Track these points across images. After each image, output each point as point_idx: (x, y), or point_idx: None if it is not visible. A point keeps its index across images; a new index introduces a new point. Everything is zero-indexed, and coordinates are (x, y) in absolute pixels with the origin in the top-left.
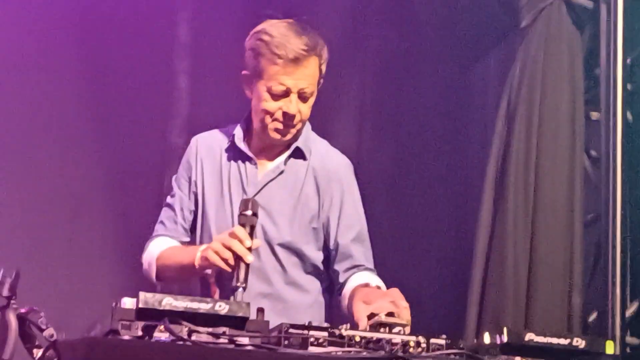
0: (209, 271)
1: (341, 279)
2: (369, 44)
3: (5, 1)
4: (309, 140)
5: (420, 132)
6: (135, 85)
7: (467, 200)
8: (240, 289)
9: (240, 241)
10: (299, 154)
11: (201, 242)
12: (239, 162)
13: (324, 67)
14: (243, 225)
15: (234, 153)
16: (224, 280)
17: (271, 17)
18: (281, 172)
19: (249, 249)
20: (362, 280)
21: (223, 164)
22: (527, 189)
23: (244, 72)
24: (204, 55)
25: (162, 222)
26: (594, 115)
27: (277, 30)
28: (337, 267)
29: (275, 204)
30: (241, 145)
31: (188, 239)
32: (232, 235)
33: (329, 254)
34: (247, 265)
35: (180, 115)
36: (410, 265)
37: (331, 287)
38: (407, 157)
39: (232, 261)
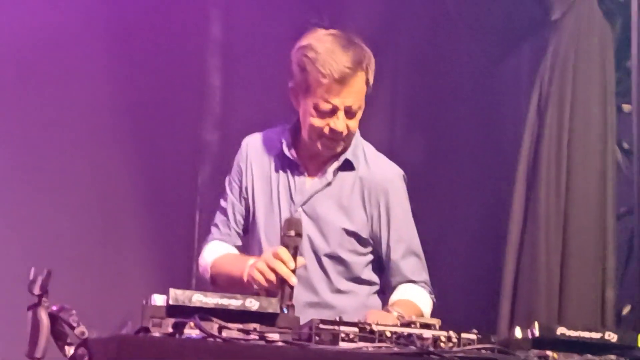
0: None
1: (393, 285)
2: (400, 40)
3: (37, 2)
4: (358, 149)
5: (452, 127)
6: (167, 83)
7: (499, 195)
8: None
9: (284, 263)
10: (347, 165)
11: (251, 247)
12: (288, 170)
13: (371, 78)
14: (287, 246)
15: (283, 160)
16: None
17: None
18: (329, 184)
19: (293, 270)
20: (406, 295)
21: (272, 170)
22: (559, 182)
23: (290, 84)
24: (236, 53)
25: (216, 226)
26: (626, 107)
27: (323, 46)
28: (390, 278)
29: (322, 214)
30: (289, 153)
31: (241, 243)
32: (276, 256)
33: (381, 258)
34: (292, 287)
35: (213, 113)
36: (442, 261)
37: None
38: (439, 152)
39: (276, 283)
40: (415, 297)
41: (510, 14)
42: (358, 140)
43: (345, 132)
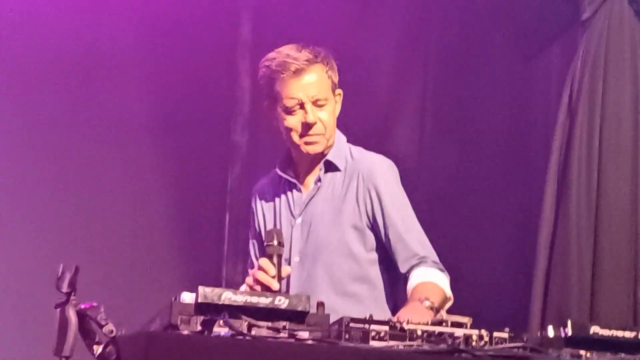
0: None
1: (402, 270)
2: (430, 40)
3: (69, 3)
4: (342, 151)
5: (483, 127)
6: (197, 85)
7: (530, 195)
8: None
9: (265, 272)
10: (332, 167)
11: None
12: (288, 191)
13: (334, 76)
14: (270, 255)
15: (283, 185)
16: None
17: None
18: (319, 188)
19: (276, 277)
20: (420, 279)
21: (275, 198)
22: (589, 181)
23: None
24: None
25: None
26: None
27: (278, 52)
28: (396, 259)
29: (318, 217)
30: (285, 174)
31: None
32: (259, 267)
33: (385, 254)
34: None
35: (242, 114)
36: (473, 261)
37: (393, 290)
38: (470, 152)
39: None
40: (433, 278)
41: (540, 13)
42: (342, 143)
43: (318, 124)
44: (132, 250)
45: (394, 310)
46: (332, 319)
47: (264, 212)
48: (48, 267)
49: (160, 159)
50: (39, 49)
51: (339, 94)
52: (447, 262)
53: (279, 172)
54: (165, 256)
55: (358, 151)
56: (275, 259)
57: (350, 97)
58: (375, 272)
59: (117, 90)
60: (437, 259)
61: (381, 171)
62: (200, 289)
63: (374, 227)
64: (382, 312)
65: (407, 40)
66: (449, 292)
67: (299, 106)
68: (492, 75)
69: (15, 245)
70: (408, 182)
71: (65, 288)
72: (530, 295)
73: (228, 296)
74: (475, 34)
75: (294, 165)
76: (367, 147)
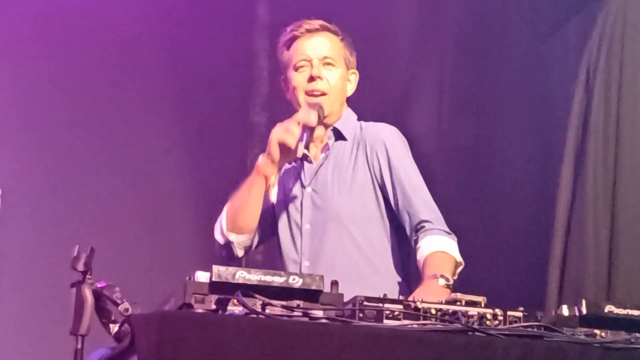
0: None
1: (410, 232)
2: (446, 20)
3: None
4: (350, 120)
5: (500, 107)
6: (216, 65)
7: (547, 173)
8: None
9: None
10: (340, 136)
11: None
12: (300, 165)
13: (348, 52)
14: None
15: (297, 162)
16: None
17: None
18: (327, 156)
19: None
20: (430, 249)
21: (285, 170)
22: (606, 159)
23: (281, 79)
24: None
25: None
26: None
27: (295, 24)
28: (404, 220)
29: (328, 186)
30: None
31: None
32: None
33: (393, 217)
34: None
35: (261, 95)
36: (490, 240)
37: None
38: (488, 132)
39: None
40: (443, 247)
41: None
42: (352, 118)
43: (324, 82)
44: (147, 229)
45: (405, 278)
46: (346, 289)
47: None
48: (65, 248)
49: (179, 140)
50: (62, 39)
51: (354, 73)
52: (465, 242)
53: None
54: (181, 236)
55: (366, 124)
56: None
57: (368, 77)
58: (385, 239)
59: (136, 73)
60: (443, 221)
61: (388, 135)
62: (215, 268)
63: (382, 188)
64: (393, 279)
65: (424, 20)
66: (459, 258)
67: (308, 64)
68: (509, 54)
69: (34, 227)
70: (426, 161)
71: (81, 267)
72: (546, 275)
73: (242, 275)
74: (491, 13)
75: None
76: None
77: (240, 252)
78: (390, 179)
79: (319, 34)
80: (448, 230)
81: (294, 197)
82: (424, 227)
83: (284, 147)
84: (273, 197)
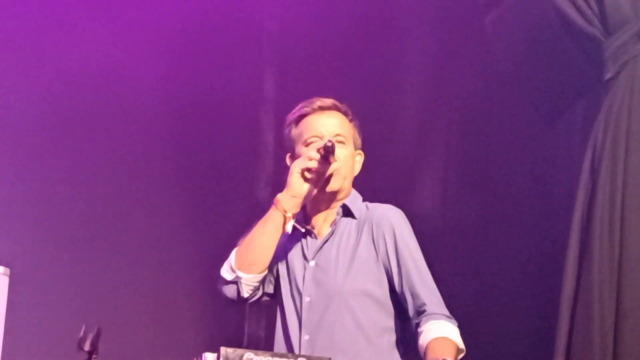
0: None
1: (412, 316)
2: (453, 99)
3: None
4: (357, 200)
5: (506, 186)
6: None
7: (552, 253)
8: None
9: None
10: (348, 212)
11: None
12: (301, 237)
13: (356, 132)
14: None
15: (295, 233)
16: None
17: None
18: (333, 231)
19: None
20: (432, 335)
21: (287, 243)
22: (612, 242)
23: (287, 156)
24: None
25: None
26: None
27: (304, 102)
28: (407, 303)
29: (332, 259)
30: (300, 226)
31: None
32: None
33: (396, 298)
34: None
35: (266, 170)
36: (496, 316)
37: (404, 339)
38: (493, 211)
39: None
40: (445, 333)
41: (562, 73)
42: (358, 198)
43: (337, 161)
44: (154, 309)
45: (405, 356)
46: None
47: (275, 252)
48: (71, 328)
49: (184, 217)
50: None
51: (360, 154)
52: (470, 317)
53: (295, 224)
54: (189, 316)
55: (373, 205)
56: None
57: (373, 155)
58: (386, 318)
59: (140, 146)
60: (444, 306)
61: (394, 216)
62: (222, 349)
63: (386, 268)
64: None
65: (429, 99)
66: (461, 345)
67: (319, 140)
68: (515, 135)
69: (39, 307)
70: (432, 238)
71: (87, 347)
72: (552, 352)
73: (250, 357)
74: (498, 94)
75: (307, 217)
76: (390, 202)
77: (246, 293)
78: (396, 260)
79: (330, 113)
80: (449, 315)
81: (296, 269)
82: (425, 311)
83: (305, 177)
84: (289, 229)
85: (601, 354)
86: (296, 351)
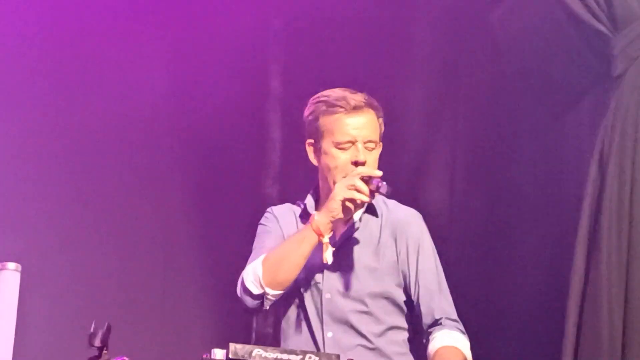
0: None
1: (424, 323)
2: (460, 96)
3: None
4: (379, 198)
5: (513, 183)
6: (227, 138)
7: (560, 252)
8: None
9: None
10: (371, 210)
11: (285, 312)
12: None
13: (382, 125)
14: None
15: (307, 220)
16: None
17: None
18: (357, 228)
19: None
20: (442, 342)
21: (300, 229)
22: (620, 238)
23: (307, 141)
24: (294, 108)
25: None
26: None
27: (333, 91)
28: (420, 311)
29: (354, 258)
30: (313, 212)
31: None
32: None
33: (411, 304)
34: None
35: (273, 166)
36: (503, 317)
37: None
38: (500, 209)
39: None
40: (455, 342)
41: (571, 70)
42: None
43: (366, 164)
44: (162, 305)
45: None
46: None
47: (284, 235)
48: (81, 324)
49: (192, 214)
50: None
51: (380, 146)
52: (477, 317)
53: (309, 210)
54: (197, 311)
55: (392, 203)
56: None
57: (382, 150)
58: (402, 321)
59: (149, 147)
60: (459, 320)
61: (416, 223)
62: (231, 345)
63: (404, 274)
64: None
65: (437, 94)
66: (469, 357)
67: (352, 145)
68: (523, 131)
69: (50, 303)
70: (439, 236)
71: (97, 343)
72: (561, 347)
73: (259, 353)
74: (506, 90)
75: (321, 206)
76: (397, 200)
77: (268, 305)
78: (416, 270)
79: (363, 112)
80: (462, 328)
81: (314, 266)
82: (440, 323)
83: (349, 205)
84: (329, 259)
85: (610, 349)
86: (320, 349)
